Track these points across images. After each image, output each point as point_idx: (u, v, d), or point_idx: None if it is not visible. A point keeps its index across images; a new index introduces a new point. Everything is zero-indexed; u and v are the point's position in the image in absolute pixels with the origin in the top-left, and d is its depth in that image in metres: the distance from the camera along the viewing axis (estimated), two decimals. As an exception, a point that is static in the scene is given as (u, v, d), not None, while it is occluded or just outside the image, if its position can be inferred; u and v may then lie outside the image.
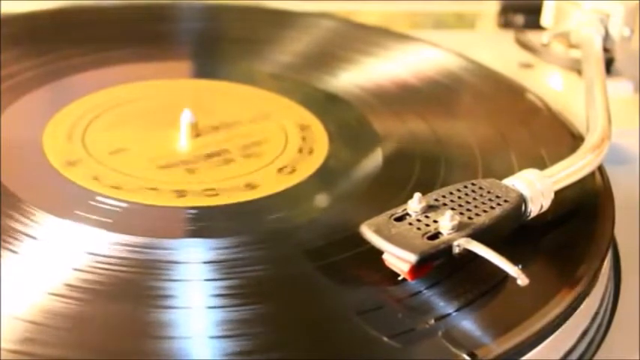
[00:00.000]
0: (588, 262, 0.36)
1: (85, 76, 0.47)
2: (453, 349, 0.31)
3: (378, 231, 0.33)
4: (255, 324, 0.31)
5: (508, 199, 0.35)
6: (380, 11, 0.65)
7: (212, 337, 0.31)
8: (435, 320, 0.32)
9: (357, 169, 0.42)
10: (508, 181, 0.36)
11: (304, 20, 0.55)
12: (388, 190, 0.39)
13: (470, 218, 0.34)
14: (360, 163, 0.42)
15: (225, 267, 0.34)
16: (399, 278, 0.33)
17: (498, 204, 0.35)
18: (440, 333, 0.32)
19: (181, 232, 0.37)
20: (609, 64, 0.53)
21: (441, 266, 0.33)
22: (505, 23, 0.63)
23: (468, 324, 0.32)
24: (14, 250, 0.34)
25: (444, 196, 0.35)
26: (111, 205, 0.37)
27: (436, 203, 0.34)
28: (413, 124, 0.45)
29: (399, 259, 0.32)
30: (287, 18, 0.56)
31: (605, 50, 0.51)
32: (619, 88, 0.53)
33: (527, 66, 0.56)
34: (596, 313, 0.37)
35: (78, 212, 0.36)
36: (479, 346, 0.31)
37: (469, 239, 0.32)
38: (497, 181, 0.36)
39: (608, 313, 0.38)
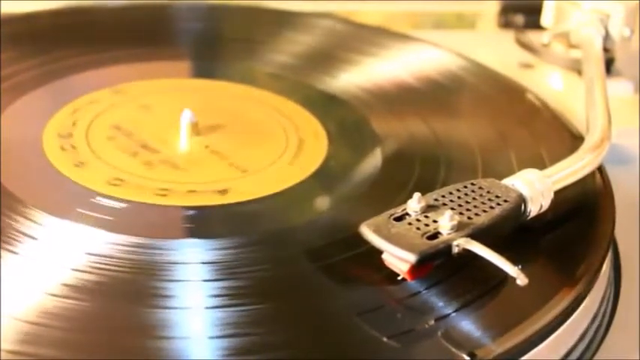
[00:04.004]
0: (588, 262, 0.36)
1: (84, 76, 0.47)
2: (453, 350, 0.31)
3: (378, 231, 0.33)
4: (254, 324, 0.31)
5: (508, 199, 0.35)
6: (380, 11, 0.65)
7: (211, 338, 0.31)
8: (435, 320, 0.32)
9: (356, 169, 0.42)
10: (508, 181, 0.36)
11: (304, 20, 0.55)
12: (388, 190, 0.39)
13: (469, 218, 0.34)
14: (359, 164, 0.42)
15: (224, 267, 0.34)
16: (399, 278, 0.33)
17: (498, 204, 0.34)
18: (439, 333, 0.31)
19: (180, 233, 0.37)
20: (609, 64, 0.53)
21: (441, 266, 0.33)
22: (505, 23, 0.63)
23: (467, 324, 0.32)
24: (14, 250, 0.34)
25: (443, 196, 0.35)
26: (110, 205, 0.37)
27: (436, 203, 0.34)
28: (413, 124, 0.45)
29: (399, 259, 0.32)
30: (287, 18, 0.56)
31: (605, 50, 0.51)
32: (619, 88, 0.53)
33: (527, 66, 0.56)
34: (596, 313, 0.37)
35: (78, 212, 0.36)
36: (478, 347, 0.31)
37: (468, 239, 0.32)
38: (497, 181, 0.36)
39: (608, 313, 0.38)
